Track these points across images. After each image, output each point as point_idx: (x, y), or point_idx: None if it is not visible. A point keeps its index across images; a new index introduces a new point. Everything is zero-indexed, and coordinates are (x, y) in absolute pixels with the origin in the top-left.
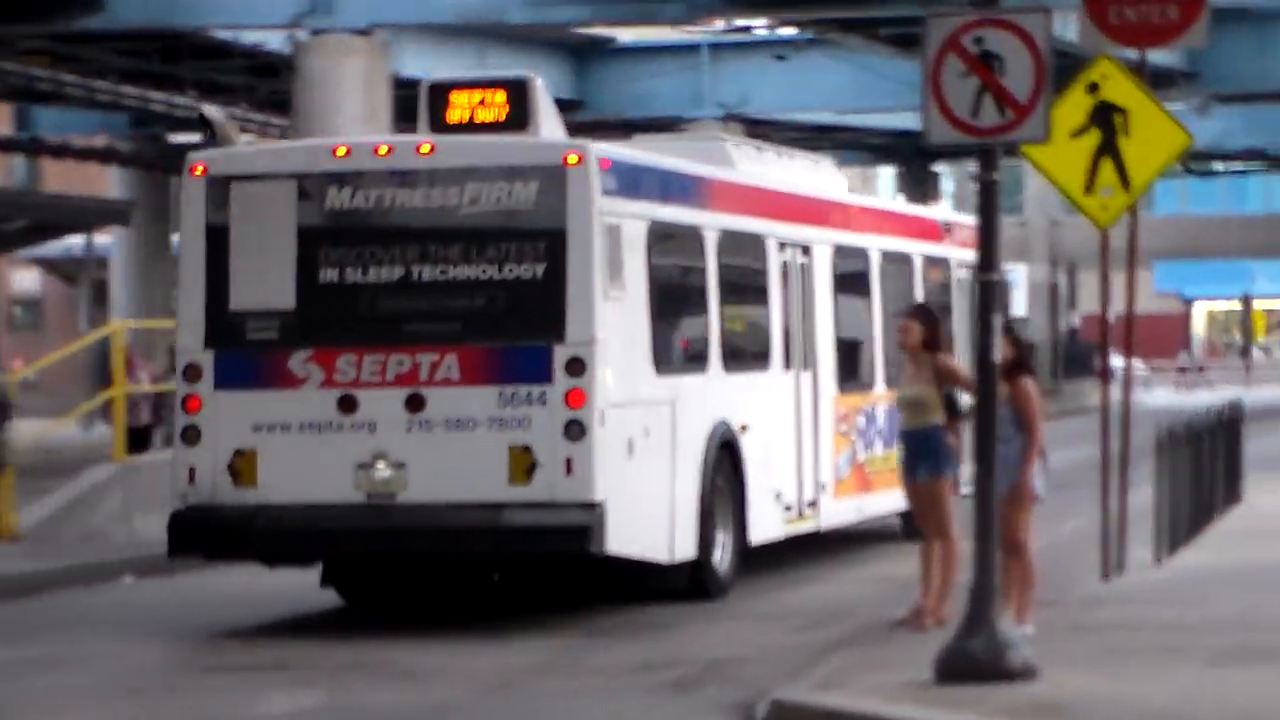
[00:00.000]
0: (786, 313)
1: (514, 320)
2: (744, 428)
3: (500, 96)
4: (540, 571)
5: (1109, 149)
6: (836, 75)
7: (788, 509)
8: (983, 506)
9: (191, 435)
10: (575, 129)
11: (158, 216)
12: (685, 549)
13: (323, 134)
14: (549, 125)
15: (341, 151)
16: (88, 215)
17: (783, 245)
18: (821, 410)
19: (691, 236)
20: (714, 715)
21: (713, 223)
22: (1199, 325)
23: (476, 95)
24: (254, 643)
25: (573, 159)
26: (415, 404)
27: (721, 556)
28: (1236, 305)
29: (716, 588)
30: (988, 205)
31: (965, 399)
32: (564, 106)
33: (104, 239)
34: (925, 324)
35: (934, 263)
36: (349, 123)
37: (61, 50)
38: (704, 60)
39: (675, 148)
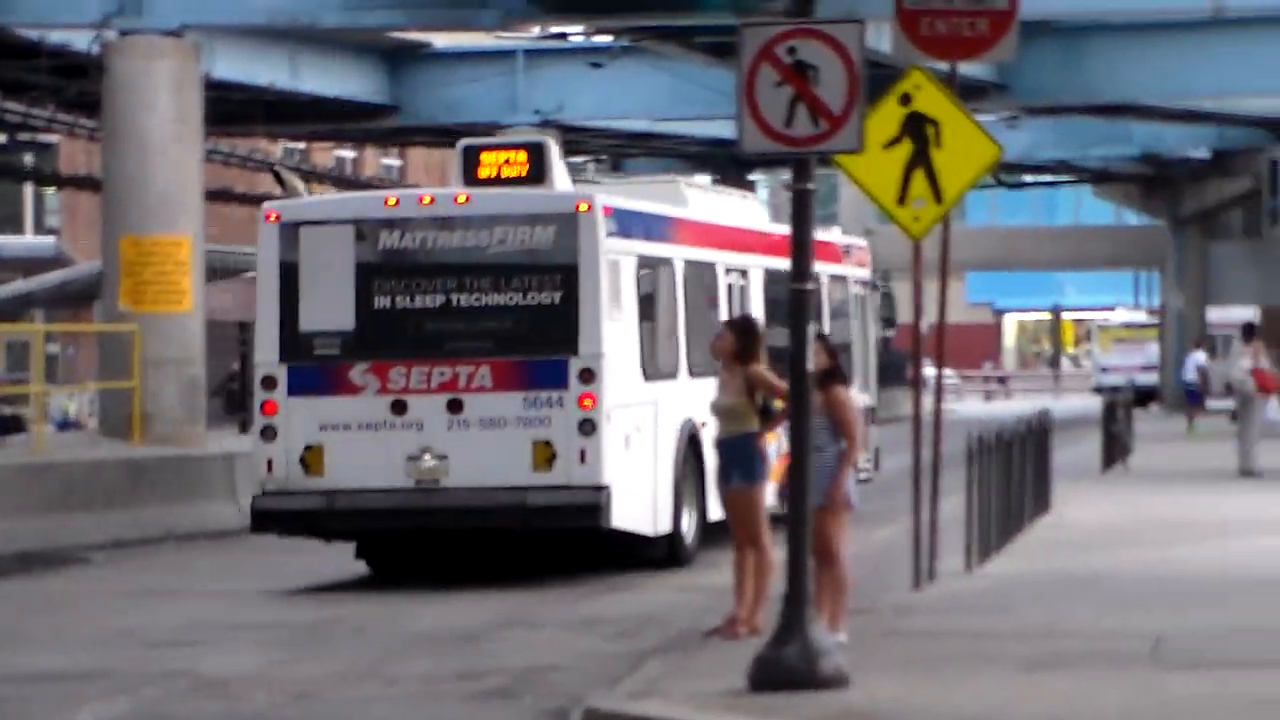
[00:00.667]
0: None
1: (536, 338)
2: (703, 424)
3: (522, 156)
4: (552, 546)
5: (921, 160)
6: (652, 83)
7: None
8: (796, 515)
9: (269, 434)
10: (391, 135)
11: None
12: (664, 524)
13: (133, 137)
14: (561, 179)
15: (392, 201)
16: None
17: (728, 270)
18: None
19: (666, 267)
20: None
21: (680, 255)
22: (1010, 336)
23: (503, 155)
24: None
25: (583, 207)
26: (455, 407)
27: (689, 530)
28: (1047, 316)
29: (685, 556)
30: (801, 215)
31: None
32: (378, 112)
33: None
34: (738, 334)
35: (837, 280)
36: (160, 125)
37: None
38: (520, 66)
39: (635, 190)
